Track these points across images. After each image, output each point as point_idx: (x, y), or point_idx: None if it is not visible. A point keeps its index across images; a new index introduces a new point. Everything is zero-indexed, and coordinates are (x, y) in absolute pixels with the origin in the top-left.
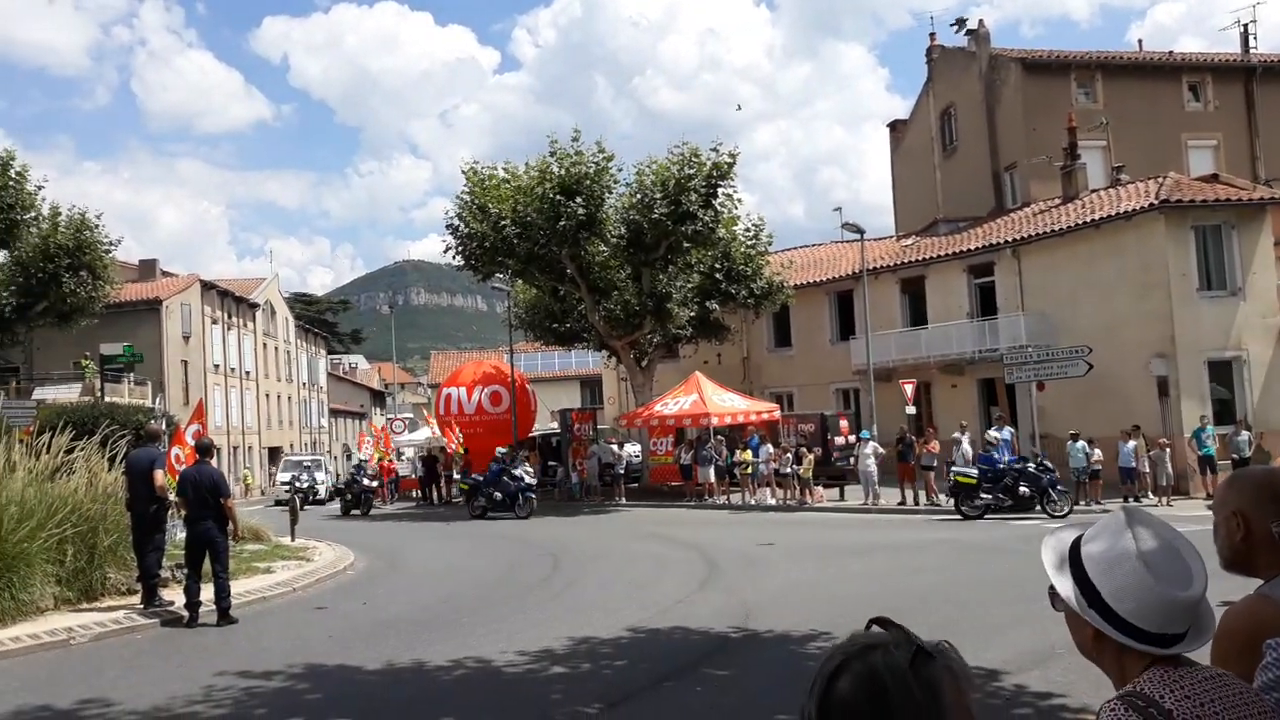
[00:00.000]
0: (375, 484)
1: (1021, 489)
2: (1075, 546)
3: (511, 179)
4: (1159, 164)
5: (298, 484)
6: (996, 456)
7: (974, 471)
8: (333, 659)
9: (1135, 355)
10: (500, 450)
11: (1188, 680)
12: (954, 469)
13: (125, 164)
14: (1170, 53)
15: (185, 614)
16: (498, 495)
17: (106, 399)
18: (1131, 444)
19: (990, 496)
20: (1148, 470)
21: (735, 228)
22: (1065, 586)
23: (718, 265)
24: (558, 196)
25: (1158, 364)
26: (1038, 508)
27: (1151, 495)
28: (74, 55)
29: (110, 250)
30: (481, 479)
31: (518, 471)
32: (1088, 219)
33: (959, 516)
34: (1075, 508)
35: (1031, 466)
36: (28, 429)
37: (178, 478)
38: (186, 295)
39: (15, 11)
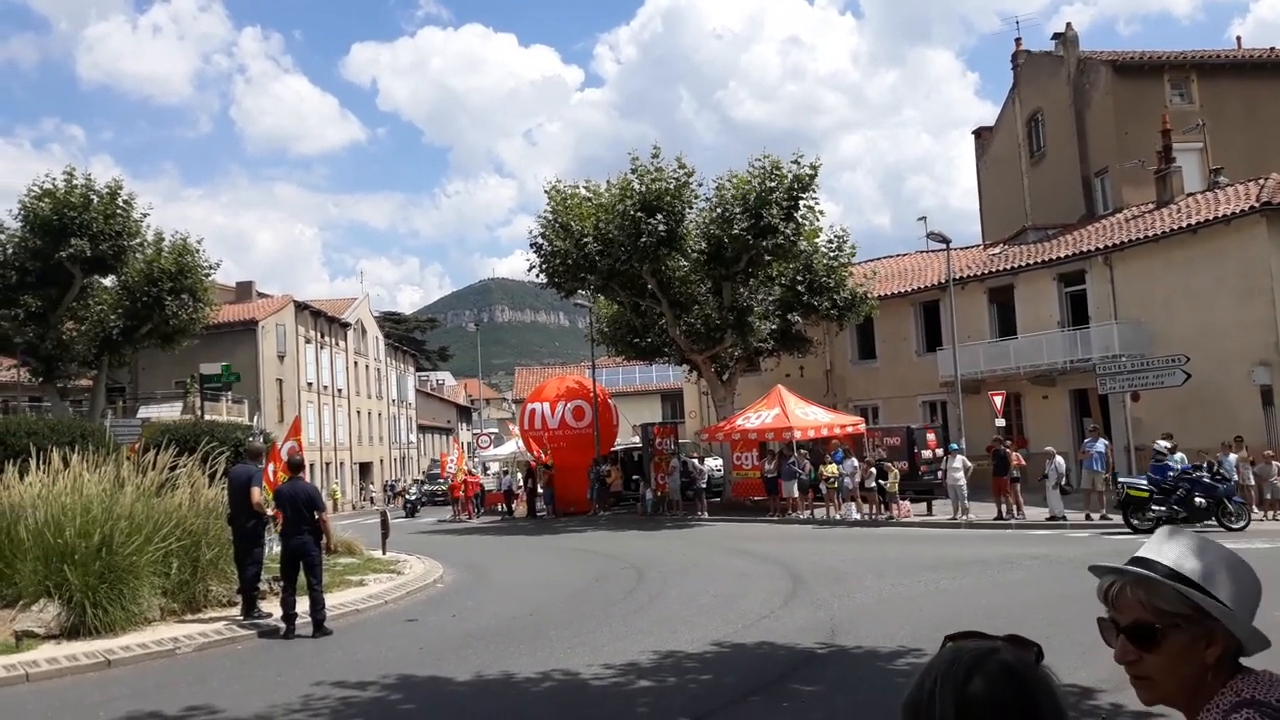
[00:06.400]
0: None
1: (1197, 500)
2: (1177, 574)
3: (593, 197)
4: (1260, 165)
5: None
6: (1170, 465)
7: (1144, 483)
8: (424, 670)
9: (1237, 364)
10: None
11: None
12: (1123, 480)
13: (225, 189)
14: (1272, 49)
15: (282, 626)
16: None
17: (206, 417)
18: (1234, 456)
19: (1163, 509)
20: (1252, 484)
21: (817, 239)
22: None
23: (799, 277)
24: (638, 213)
25: (1261, 373)
26: (1212, 519)
27: (1257, 510)
28: (178, 84)
29: (210, 273)
30: None
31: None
32: (1184, 224)
33: (1129, 530)
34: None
35: (1206, 477)
36: (134, 446)
37: (274, 493)
38: (281, 316)
39: (123, 45)
